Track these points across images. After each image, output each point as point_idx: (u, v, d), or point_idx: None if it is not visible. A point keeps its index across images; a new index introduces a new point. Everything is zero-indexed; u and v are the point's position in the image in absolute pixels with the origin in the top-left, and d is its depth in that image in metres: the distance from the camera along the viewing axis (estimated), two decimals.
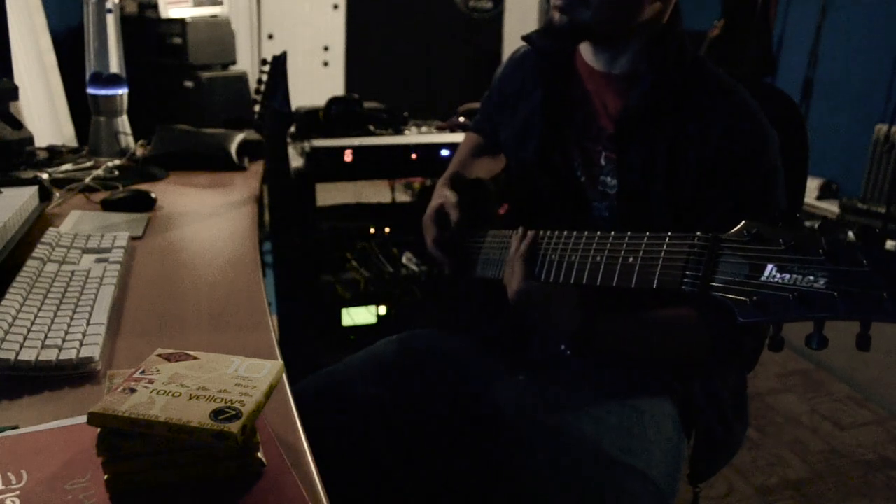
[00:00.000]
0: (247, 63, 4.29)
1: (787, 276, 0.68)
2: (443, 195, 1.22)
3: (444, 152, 2.24)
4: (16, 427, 0.70)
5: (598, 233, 0.92)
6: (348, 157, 2.18)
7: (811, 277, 0.66)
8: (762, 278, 0.70)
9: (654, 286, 0.82)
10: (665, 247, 0.83)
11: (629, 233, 0.88)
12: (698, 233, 0.79)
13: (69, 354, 0.81)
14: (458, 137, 2.25)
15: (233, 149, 1.76)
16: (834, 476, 2.09)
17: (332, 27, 4.97)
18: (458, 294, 1.29)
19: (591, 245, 0.92)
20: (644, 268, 0.84)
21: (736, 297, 0.71)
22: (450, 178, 1.30)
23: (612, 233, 0.90)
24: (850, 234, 0.65)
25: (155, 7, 3.38)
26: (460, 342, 1.22)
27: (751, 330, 1.02)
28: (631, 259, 0.86)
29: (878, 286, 0.62)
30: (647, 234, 0.85)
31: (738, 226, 0.75)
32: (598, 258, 0.90)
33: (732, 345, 1.03)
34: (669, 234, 0.83)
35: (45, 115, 2.97)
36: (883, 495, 2.02)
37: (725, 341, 1.02)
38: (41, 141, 2.01)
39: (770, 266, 0.69)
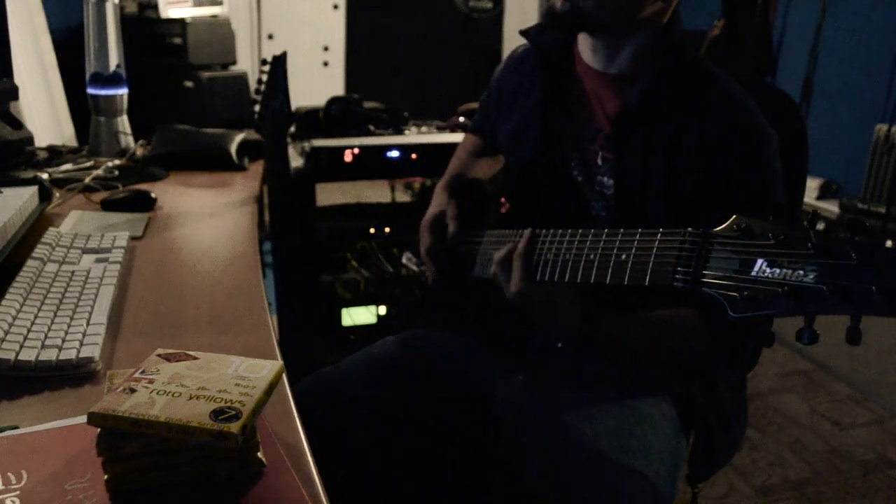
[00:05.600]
0: (247, 63, 4.29)
1: (777, 270, 0.68)
2: (442, 203, 1.21)
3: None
4: (16, 427, 0.70)
5: (592, 231, 0.92)
6: (348, 157, 2.18)
7: (801, 272, 0.66)
8: (752, 273, 0.70)
9: (647, 283, 0.83)
10: (656, 243, 0.83)
11: (622, 230, 0.88)
12: (689, 228, 0.79)
13: (69, 354, 0.81)
14: (458, 137, 2.25)
15: (233, 149, 1.76)
16: (834, 476, 2.09)
17: (332, 27, 4.97)
18: (457, 294, 1.29)
19: (584, 243, 0.92)
20: (636, 265, 0.84)
21: (727, 293, 0.72)
22: (449, 182, 1.30)
23: (606, 230, 0.90)
24: (842, 232, 0.65)
25: (155, 7, 3.38)
26: (460, 342, 1.22)
27: (751, 329, 1.02)
28: (623, 256, 0.86)
29: (867, 280, 0.62)
30: (640, 230, 0.86)
31: (728, 221, 0.75)
32: (592, 256, 0.90)
33: (732, 345, 1.03)
34: (661, 230, 0.83)
35: (45, 115, 2.97)
36: (883, 495, 2.02)
37: (725, 341, 1.02)
38: (41, 141, 2.01)
39: (760, 261, 0.69)
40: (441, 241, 1.20)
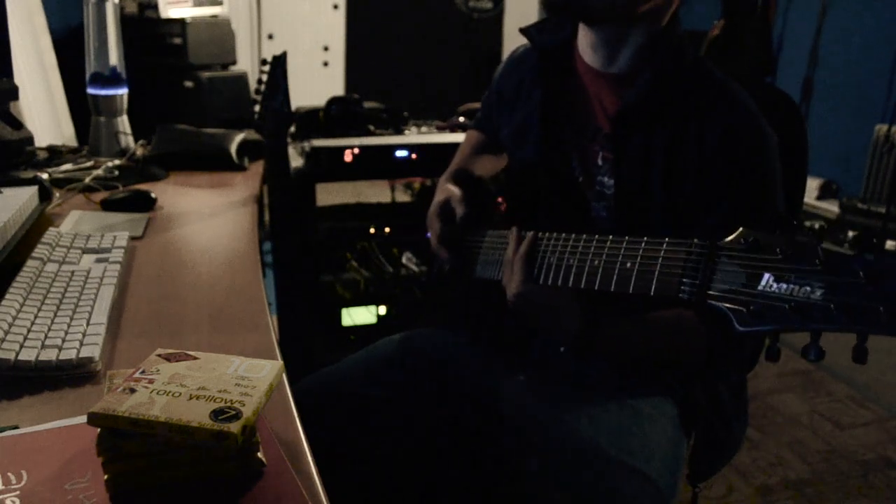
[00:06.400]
0: (247, 63, 4.29)
1: (784, 285, 0.68)
2: (448, 190, 1.21)
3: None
4: (16, 427, 0.70)
5: (597, 236, 0.92)
6: (348, 157, 2.18)
7: (808, 288, 0.66)
8: (759, 287, 0.70)
9: (652, 293, 0.82)
10: (663, 253, 0.82)
11: (627, 237, 0.88)
12: (696, 239, 0.79)
13: (69, 354, 0.81)
14: (458, 137, 2.25)
15: (233, 149, 1.76)
16: (834, 476, 2.09)
17: (332, 27, 4.97)
18: (458, 294, 1.29)
19: (589, 248, 0.92)
20: (641, 274, 0.84)
21: (733, 306, 0.71)
22: (453, 174, 1.30)
23: (611, 237, 0.90)
24: (850, 233, 0.65)
25: (155, 7, 3.38)
26: (461, 342, 1.22)
27: (754, 341, 1.02)
28: (629, 264, 0.86)
29: (874, 298, 0.62)
30: (645, 238, 0.85)
31: (736, 233, 0.75)
32: (597, 262, 0.90)
33: (732, 347, 1.03)
34: (667, 239, 0.83)
35: (45, 115, 2.97)
36: (883, 495, 2.02)
37: (725, 343, 1.02)
38: (41, 141, 2.01)
39: (767, 275, 0.69)
40: (451, 225, 1.19)
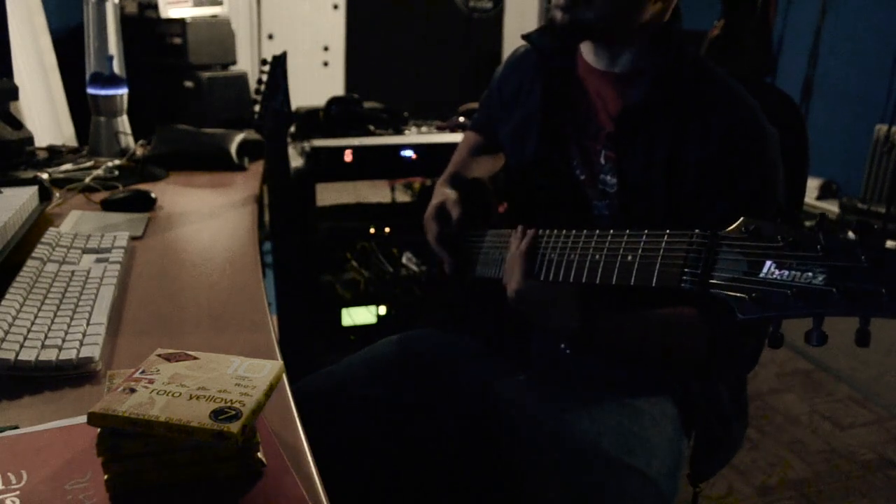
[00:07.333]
0: (247, 63, 4.29)
1: (786, 272, 0.68)
2: (444, 193, 1.21)
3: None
4: (16, 427, 0.70)
5: (597, 231, 0.92)
6: (348, 157, 2.18)
7: (809, 273, 0.66)
8: (761, 275, 0.70)
9: (653, 284, 0.83)
10: (664, 244, 0.83)
11: (628, 231, 0.88)
12: (696, 230, 0.79)
13: (69, 354, 0.81)
14: (458, 137, 2.25)
15: (233, 149, 1.76)
16: (834, 476, 2.09)
17: (332, 27, 4.97)
18: (458, 294, 1.29)
19: (590, 243, 0.92)
20: (643, 265, 0.84)
21: (735, 294, 0.72)
22: (449, 177, 1.30)
23: (611, 231, 0.90)
24: (850, 233, 0.65)
25: (155, 7, 3.38)
26: (460, 342, 1.22)
27: (752, 330, 1.02)
28: (630, 257, 0.86)
29: (876, 282, 0.62)
30: (646, 231, 0.86)
31: (737, 223, 0.75)
32: (597, 256, 0.90)
33: (733, 344, 1.03)
34: (668, 231, 0.83)
35: (45, 115, 2.97)
36: (883, 495, 2.02)
37: (726, 340, 1.02)
38: (41, 141, 2.01)
39: (768, 262, 0.69)
40: (448, 227, 1.19)
